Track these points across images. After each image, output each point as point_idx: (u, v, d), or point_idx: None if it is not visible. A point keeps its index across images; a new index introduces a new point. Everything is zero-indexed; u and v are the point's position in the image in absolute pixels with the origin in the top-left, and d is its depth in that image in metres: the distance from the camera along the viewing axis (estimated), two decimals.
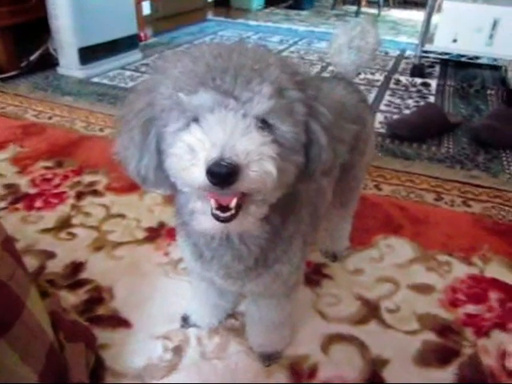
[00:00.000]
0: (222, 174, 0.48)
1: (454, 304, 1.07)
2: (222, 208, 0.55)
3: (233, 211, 0.55)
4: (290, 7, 5.13)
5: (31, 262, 1.11)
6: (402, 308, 1.05)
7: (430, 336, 0.98)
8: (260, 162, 0.51)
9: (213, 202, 0.55)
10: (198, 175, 0.50)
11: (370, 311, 1.04)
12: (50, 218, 1.31)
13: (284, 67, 0.58)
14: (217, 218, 0.55)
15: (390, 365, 0.91)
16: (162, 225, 1.30)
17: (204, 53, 0.57)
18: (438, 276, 1.15)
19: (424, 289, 1.11)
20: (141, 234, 1.26)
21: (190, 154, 0.51)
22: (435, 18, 2.81)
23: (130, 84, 2.45)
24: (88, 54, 2.49)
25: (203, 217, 0.58)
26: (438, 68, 2.94)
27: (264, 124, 0.54)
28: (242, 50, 0.57)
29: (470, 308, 1.05)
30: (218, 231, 0.62)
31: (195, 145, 0.51)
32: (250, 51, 0.57)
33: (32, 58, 2.57)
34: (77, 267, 1.13)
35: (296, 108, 0.57)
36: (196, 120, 0.54)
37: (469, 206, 1.45)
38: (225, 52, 0.56)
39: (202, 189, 0.53)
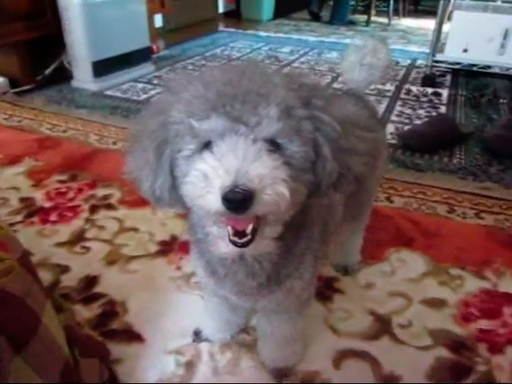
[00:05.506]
0: (237, 200, 0.50)
1: (467, 319, 1.06)
2: (239, 234, 0.56)
3: (249, 236, 0.57)
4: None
5: (46, 276, 1.13)
6: (414, 323, 1.04)
7: (443, 352, 0.97)
8: (273, 185, 0.52)
9: (229, 229, 0.57)
10: (213, 202, 0.52)
11: (382, 326, 1.03)
12: (64, 231, 1.33)
13: (290, 84, 0.58)
14: (234, 243, 0.57)
15: (403, 381, 0.90)
16: (174, 238, 1.31)
17: (215, 78, 0.58)
18: (450, 290, 1.14)
19: (436, 304, 1.10)
20: (154, 248, 1.27)
21: (205, 181, 0.52)
22: (446, 27, 2.81)
23: (143, 96, 2.48)
24: (101, 67, 2.53)
25: (221, 242, 0.59)
26: (449, 77, 2.93)
27: (274, 146, 0.55)
28: (251, 73, 0.58)
29: (484, 323, 1.04)
30: (235, 255, 0.64)
31: (209, 172, 0.52)
32: (258, 74, 0.58)
33: (47, 71, 2.62)
34: (91, 281, 1.14)
35: (304, 126, 0.57)
36: (207, 145, 0.55)
37: (481, 218, 1.44)
38: (235, 77, 0.57)
39: (218, 214, 0.54)
